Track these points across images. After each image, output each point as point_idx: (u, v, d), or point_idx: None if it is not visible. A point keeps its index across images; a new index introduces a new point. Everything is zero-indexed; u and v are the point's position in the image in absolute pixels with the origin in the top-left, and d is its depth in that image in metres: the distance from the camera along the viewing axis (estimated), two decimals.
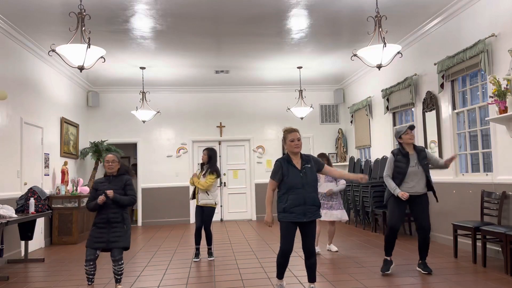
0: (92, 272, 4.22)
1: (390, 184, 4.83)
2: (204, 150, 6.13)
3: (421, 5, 6.15)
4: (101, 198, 4.16)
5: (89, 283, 4.25)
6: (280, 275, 3.99)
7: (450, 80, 6.36)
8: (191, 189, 6.15)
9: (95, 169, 9.69)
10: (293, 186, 3.77)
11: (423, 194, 4.83)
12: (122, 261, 4.29)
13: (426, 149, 4.98)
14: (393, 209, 4.86)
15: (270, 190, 3.92)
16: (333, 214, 6.09)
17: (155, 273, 5.25)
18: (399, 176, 4.81)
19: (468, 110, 6.15)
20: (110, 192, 4.16)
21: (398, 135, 4.92)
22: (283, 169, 3.83)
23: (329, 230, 6.29)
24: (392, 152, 4.98)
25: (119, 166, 4.37)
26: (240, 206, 11.04)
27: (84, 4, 4.85)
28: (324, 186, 6.10)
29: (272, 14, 6.30)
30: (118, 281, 4.33)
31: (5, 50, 6.38)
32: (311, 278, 3.94)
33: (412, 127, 4.88)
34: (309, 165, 3.87)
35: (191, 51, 7.99)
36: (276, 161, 3.95)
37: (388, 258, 4.85)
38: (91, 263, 4.19)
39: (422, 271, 4.79)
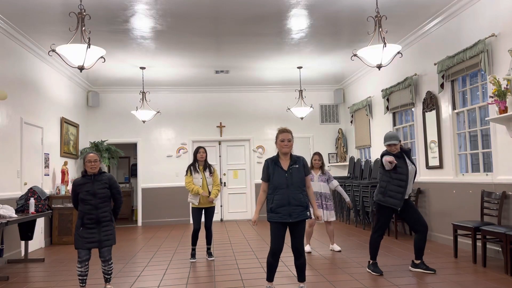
0: (86, 272, 4.22)
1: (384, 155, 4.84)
2: (201, 148, 5.98)
3: (421, 5, 6.15)
4: None
5: (82, 285, 4.23)
6: (270, 277, 4.01)
7: (450, 80, 6.36)
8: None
9: None
10: (278, 186, 3.86)
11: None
12: (112, 260, 4.35)
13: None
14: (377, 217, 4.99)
15: (261, 191, 4.05)
16: (325, 214, 6.12)
17: (155, 273, 5.25)
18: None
19: (468, 110, 6.15)
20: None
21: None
22: (269, 169, 3.94)
23: (327, 230, 6.30)
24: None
25: (100, 165, 4.39)
26: (240, 206, 11.04)
27: (84, 4, 4.86)
28: (318, 185, 6.10)
29: (272, 14, 6.30)
30: (108, 280, 4.38)
31: (5, 50, 6.38)
32: (301, 278, 3.99)
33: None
34: (296, 166, 3.93)
35: (191, 51, 7.99)
36: (265, 161, 4.05)
37: (375, 261, 4.91)
38: (87, 263, 4.20)
39: (425, 271, 4.78)
